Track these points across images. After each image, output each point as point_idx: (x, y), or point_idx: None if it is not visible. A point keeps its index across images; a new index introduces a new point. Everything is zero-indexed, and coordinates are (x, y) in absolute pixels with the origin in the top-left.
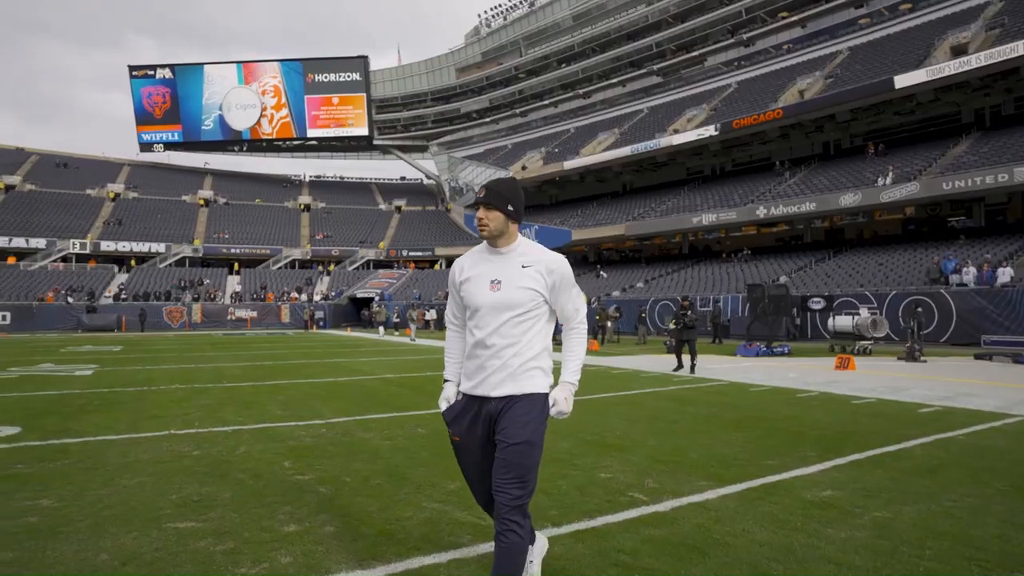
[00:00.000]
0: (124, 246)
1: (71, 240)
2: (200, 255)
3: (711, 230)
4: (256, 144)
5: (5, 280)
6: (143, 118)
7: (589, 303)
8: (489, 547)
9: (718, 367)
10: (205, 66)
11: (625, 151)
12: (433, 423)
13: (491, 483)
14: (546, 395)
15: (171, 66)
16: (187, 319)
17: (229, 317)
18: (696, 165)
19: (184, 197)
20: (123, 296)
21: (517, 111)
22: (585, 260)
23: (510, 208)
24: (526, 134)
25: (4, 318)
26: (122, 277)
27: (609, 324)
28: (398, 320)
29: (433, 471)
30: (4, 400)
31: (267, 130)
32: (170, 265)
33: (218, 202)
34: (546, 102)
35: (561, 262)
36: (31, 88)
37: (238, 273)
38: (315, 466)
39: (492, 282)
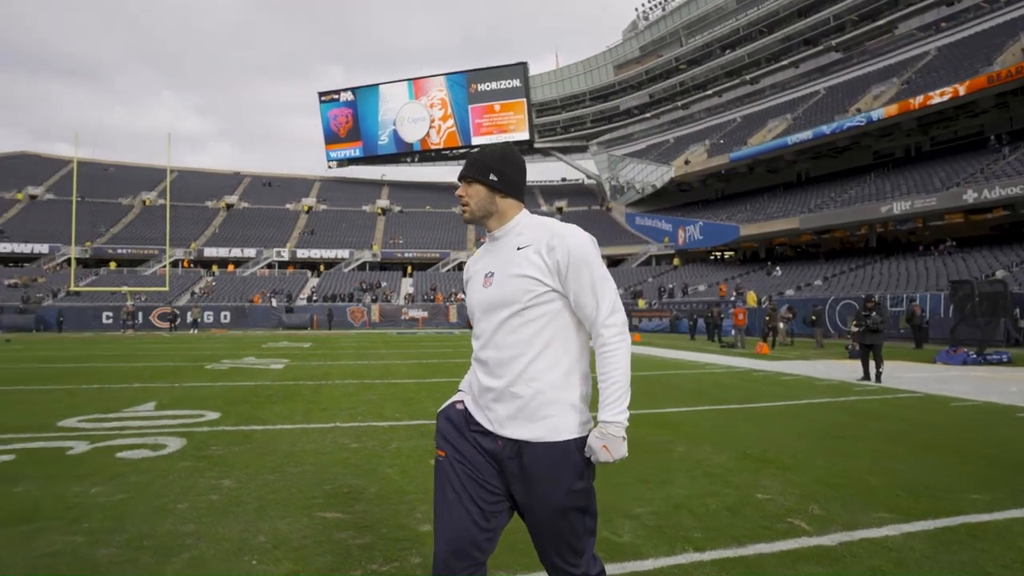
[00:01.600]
0: (316, 253)
1: (274, 249)
2: (378, 260)
3: (904, 220)
4: (426, 154)
5: (226, 285)
6: (330, 137)
7: (759, 303)
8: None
9: (911, 376)
10: (380, 86)
11: (803, 136)
12: None
13: (459, 531)
14: (579, 440)
15: (352, 89)
16: (367, 319)
17: (403, 317)
18: (885, 147)
19: (364, 207)
20: (314, 298)
21: (679, 104)
22: (755, 257)
23: (493, 178)
24: (688, 127)
25: (225, 317)
26: (314, 281)
27: (781, 325)
28: None
29: None
30: (213, 388)
31: (435, 141)
32: (353, 269)
33: (393, 210)
34: (709, 92)
35: (567, 235)
36: (245, 120)
37: (411, 276)
38: None
39: (486, 276)
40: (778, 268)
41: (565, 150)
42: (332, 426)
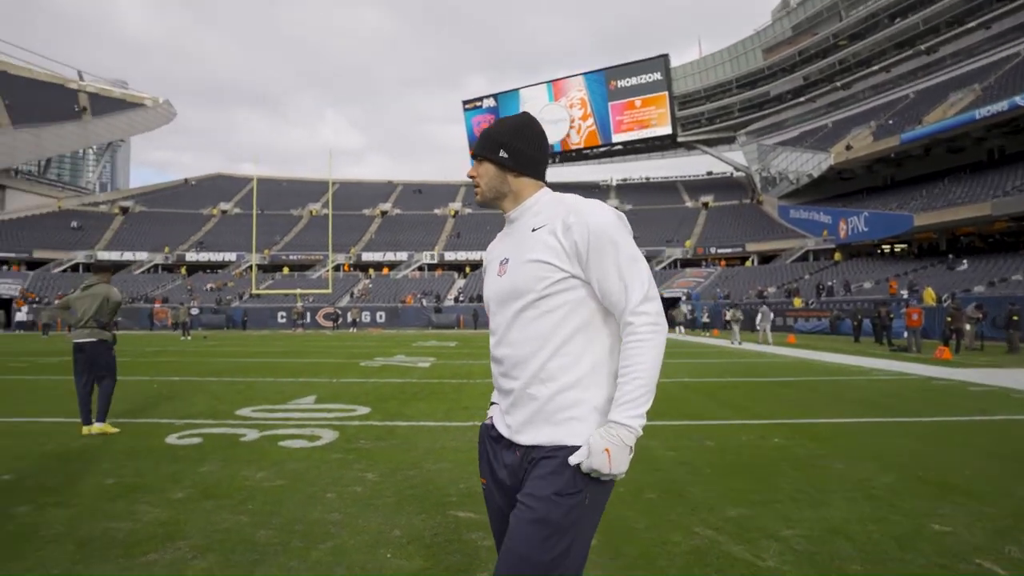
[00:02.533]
0: (462, 255)
1: (424, 252)
2: None
3: None
4: (567, 155)
5: (382, 287)
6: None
7: (940, 300)
8: None
9: None
10: (520, 90)
11: (996, 107)
12: (724, 436)
13: None
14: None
15: (494, 95)
16: None
17: None
18: None
19: None
20: (460, 298)
21: (837, 84)
22: (933, 249)
23: (503, 155)
24: (849, 109)
25: (381, 317)
26: (460, 282)
27: (967, 327)
28: (707, 320)
29: (713, 491)
30: (366, 384)
31: (575, 140)
32: None
33: None
34: (875, 68)
35: (586, 211)
36: (397, 132)
37: None
38: None
39: (500, 263)
40: (964, 262)
41: (710, 142)
42: (472, 425)
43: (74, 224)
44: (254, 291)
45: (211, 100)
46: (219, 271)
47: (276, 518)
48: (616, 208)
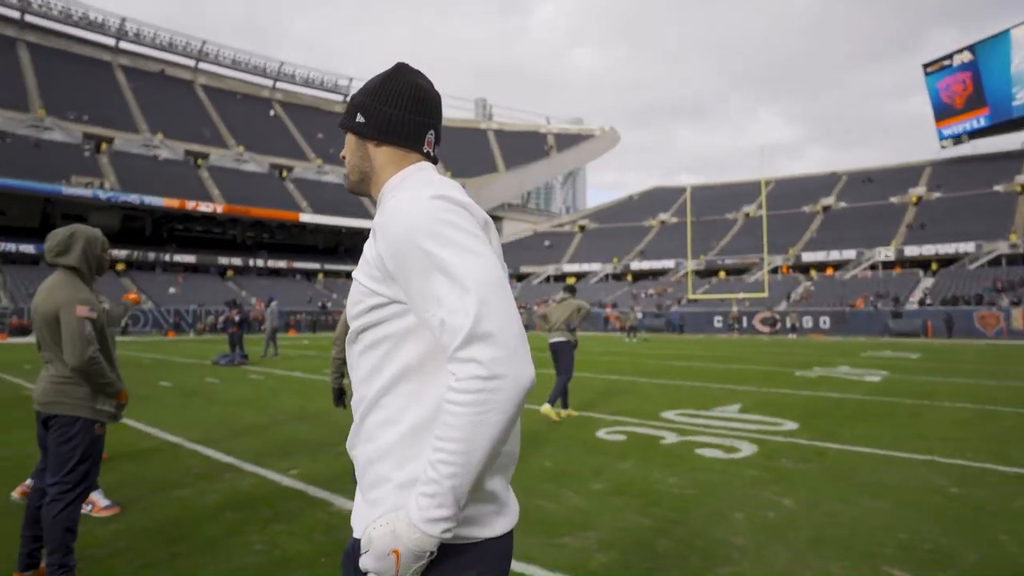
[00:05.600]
0: (928, 249)
1: (877, 248)
2: (1020, 251)
3: None
4: None
5: (825, 289)
6: (941, 112)
7: None
8: None
9: None
10: (1011, 31)
11: None
12: None
13: None
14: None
15: (970, 47)
16: (1003, 325)
17: None
18: None
19: (996, 187)
20: (928, 301)
21: None
22: None
23: (360, 119)
24: None
25: (824, 322)
26: (927, 281)
27: None
28: None
29: None
30: (796, 396)
31: None
32: (982, 265)
33: None
34: None
35: (392, 209)
36: (836, 118)
37: None
38: None
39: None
40: None
41: None
42: (927, 459)
43: (546, 243)
44: (690, 296)
45: (647, 121)
46: (659, 278)
47: (679, 528)
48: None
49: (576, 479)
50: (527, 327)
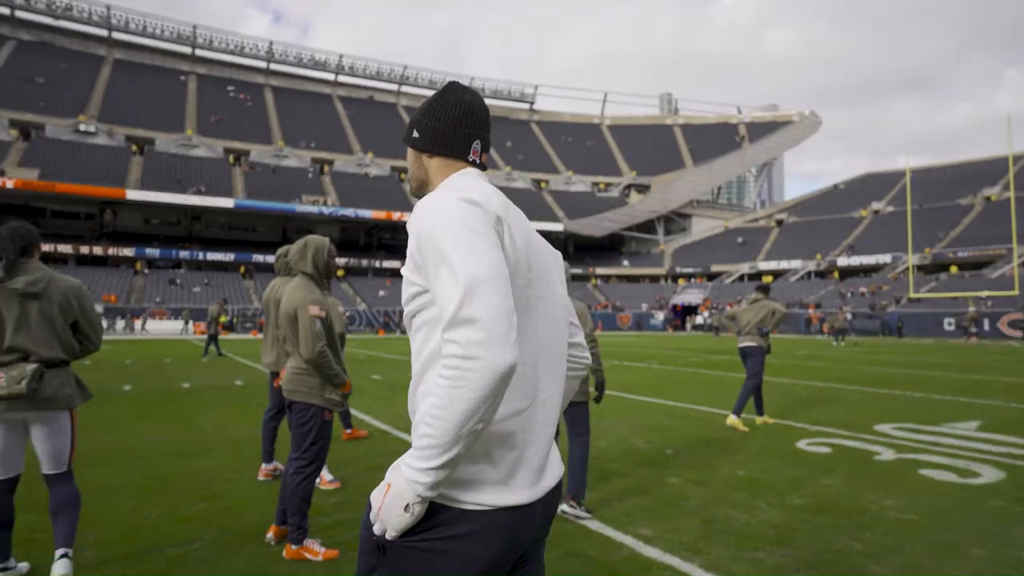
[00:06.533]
0: None
1: None
2: None
3: None
4: None
5: None
6: None
7: None
8: None
9: None
10: None
11: None
12: None
13: None
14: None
15: None
16: None
17: None
18: None
19: None
20: None
21: None
22: None
23: (415, 135)
24: None
25: None
26: None
27: None
28: None
29: None
30: None
31: None
32: None
33: None
34: None
35: (418, 209)
36: None
37: None
38: None
39: None
40: None
41: None
42: None
43: (739, 240)
44: (912, 295)
45: (853, 100)
46: (872, 274)
47: (897, 557)
48: None
49: (772, 491)
50: (715, 328)
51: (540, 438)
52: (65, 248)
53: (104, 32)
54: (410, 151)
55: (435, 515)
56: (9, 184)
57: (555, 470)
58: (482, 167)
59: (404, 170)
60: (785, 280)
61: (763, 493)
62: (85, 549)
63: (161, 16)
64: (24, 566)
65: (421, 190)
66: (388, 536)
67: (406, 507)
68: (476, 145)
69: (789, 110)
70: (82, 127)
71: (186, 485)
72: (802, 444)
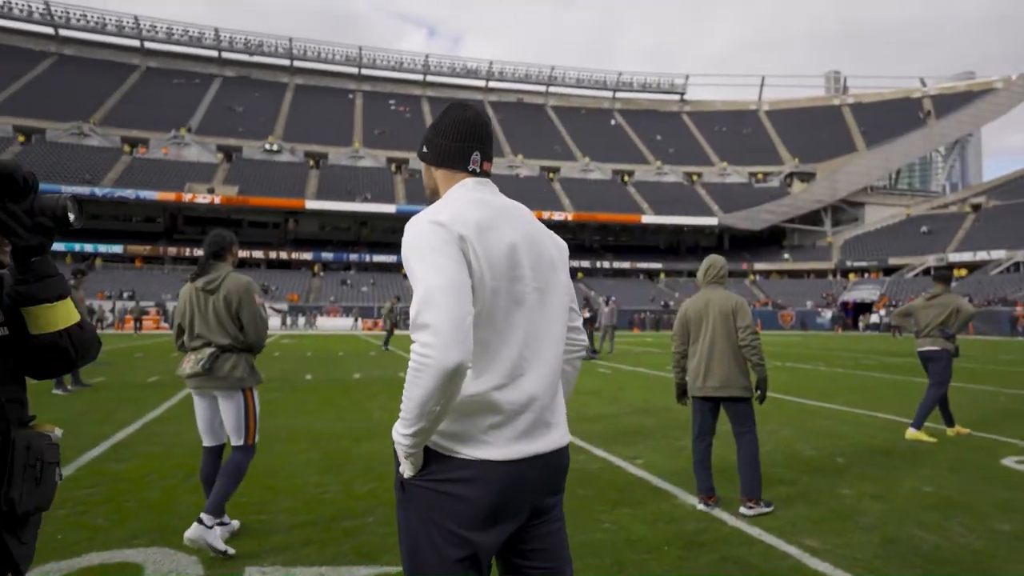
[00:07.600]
0: None
1: None
2: None
3: None
4: None
5: None
6: None
7: None
8: None
9: None
10: None
11: None
12: None
13: None
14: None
15: None
16: None
17: None
18: None
19: None
20: None
21: None
22: None
23: (424, 150)
24: None
25: None
26: None
27: None
28: None
29: None
30: None
31: None
32: None
33: None
34: None
35: (405, 232)
36: None
37: None
38: None
39: None
40: None
41: None
42: None
43: (924, 229)
44: None
45: None
46: None
47: None
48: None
49: (970, 513)
50: (893, 329)
51: (529, 410)
52: (258, 254)
53: (287, 62)
54: (423, 163)
55: (441, 461)
56: (217, 200)
57: (549, 440)
58: (484, 174)
59: (553, 169)
60: (984, 273)
61: (958, 514)
62: (279, 514)
63: (333, 42)
64: (236, 523)
65: (433, 196)
66: (405, 476)
67: (402, 457)
68: (475, 156)
69: (990, 76)
70: (269, 147)
71: (359, 466)
72: (1009, 461)
